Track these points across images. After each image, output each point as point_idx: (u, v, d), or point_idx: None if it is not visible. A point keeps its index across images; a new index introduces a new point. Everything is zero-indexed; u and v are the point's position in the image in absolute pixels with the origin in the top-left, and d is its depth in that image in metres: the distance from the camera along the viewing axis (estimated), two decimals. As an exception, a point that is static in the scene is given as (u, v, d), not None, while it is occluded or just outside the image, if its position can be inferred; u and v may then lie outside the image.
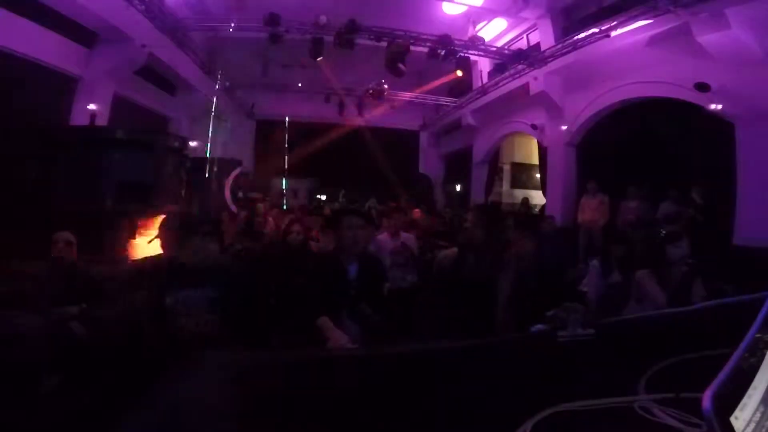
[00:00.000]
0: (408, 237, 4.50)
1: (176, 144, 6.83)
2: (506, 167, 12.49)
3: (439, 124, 14.10)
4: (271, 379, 0.98)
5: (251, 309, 2.45)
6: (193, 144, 9.11)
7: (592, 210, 7.23)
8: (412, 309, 4.23)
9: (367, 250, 2.79)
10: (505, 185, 12.53)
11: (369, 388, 0.94)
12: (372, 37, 7.93)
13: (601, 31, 6.80)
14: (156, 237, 4.06)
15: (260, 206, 6.51)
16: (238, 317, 2.31)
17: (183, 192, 6.70)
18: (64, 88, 6.71)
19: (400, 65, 7.99)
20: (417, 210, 7.04)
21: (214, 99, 10.00)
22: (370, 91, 10.97)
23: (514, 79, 9.20)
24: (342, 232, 2.47)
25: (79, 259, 3.13)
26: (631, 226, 6.07)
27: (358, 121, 12.49)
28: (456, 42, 8.45)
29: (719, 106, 5.65)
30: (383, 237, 4.46)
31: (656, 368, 1.00)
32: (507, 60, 9.01)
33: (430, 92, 12.04)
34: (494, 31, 9.66)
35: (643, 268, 2.68)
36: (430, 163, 15.04)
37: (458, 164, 13.67)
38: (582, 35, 7.19)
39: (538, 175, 10.90)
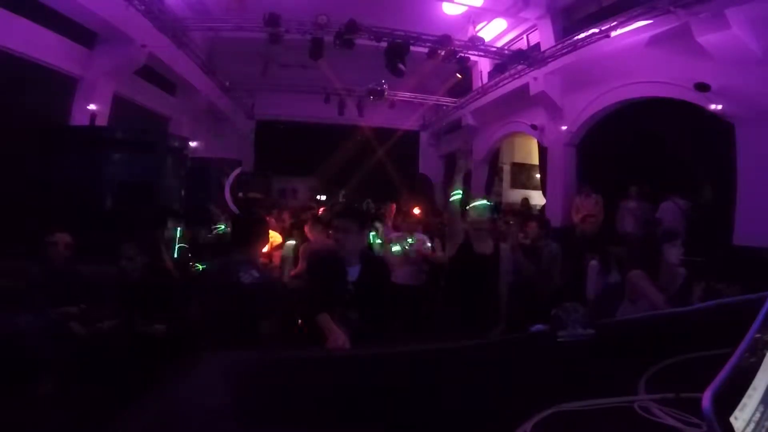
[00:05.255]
0: (421, 237, 4.57)
1: (176, 144, 6.84)
2: (506, 167, 12.49)
3: (439, 124, 14.10)
4: (270, 379, 0.98)
5: None
6: (193, 144, 9.11)
7: (586, 211, 7.26)
8: (421, 306, 4.26)
9: (369, 252, 2.77)
10: (505, 185, 12.53)
11: (369, 388, 0.94)
12: (372, 37, 7.92)
13: (601, 31, 6.79)
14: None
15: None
16: None
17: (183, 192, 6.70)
18: (64, 88, 6.70)
19: (400, 65, 7.99)
20: (417, 209, 7.05)
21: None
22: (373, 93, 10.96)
23: (514, 79, 9.19)
24: (333, 235, 2.47)
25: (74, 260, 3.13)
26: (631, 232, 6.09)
27: (358, 121, 12.50)
28: (456, 42, 8.44)
29: (719, 106, 5.64)
30: (396, 237, 4.54)
31: (656, 368, 1.00)
32: (507, 60, 9.00)
33: (430, 92, 12.04)
34: (494, 31, 9.66)
35: (637, 268, 2.66)
36: (430, 163, 15.04)
37: (458, 164, 13.64)
38: (582, 35, 7.18)
39: (538, 175, 10.89)
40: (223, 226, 4.83)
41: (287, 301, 3.16)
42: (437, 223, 6.81)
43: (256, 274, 2.43)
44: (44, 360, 2.40)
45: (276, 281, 3.25)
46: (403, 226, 4.71)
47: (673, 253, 2.64)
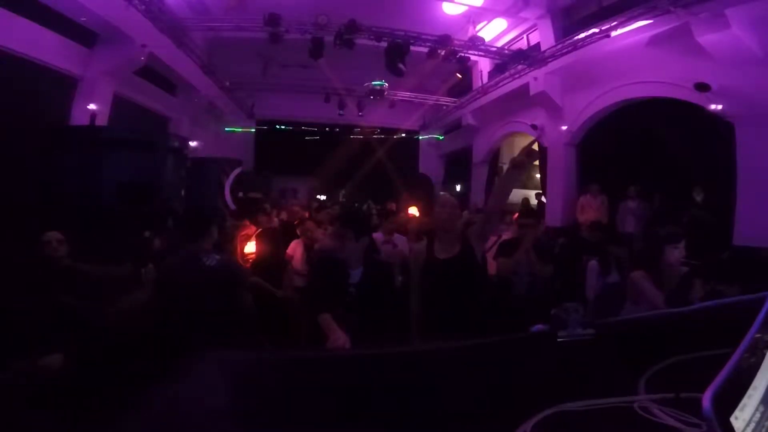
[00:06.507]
0: (400, 239, 4.55)
1: (176, 144, 6.84)
2: (506, 167, 12.48)
3: (439, 124, 14.10)
4: (270, 379, 0.98)
5: None
6: (193, 144, 9.11)
7: (593, 210, 7.27)
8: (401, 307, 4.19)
9: (372, 255, 2.72)
10: (505, 185, 12.50)
11: (369, 388, 0.94)
12: (372, 37, 7.93)
13: (601, 31, 6.79)
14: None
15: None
16: None
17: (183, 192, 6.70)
18: (64, 88, 6.70)
19: (400, 65, 7.99)
20: (414, 210, 7.05)
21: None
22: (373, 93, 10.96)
23: (514, 79, 9.20)
24: (332, 240, 2.46)
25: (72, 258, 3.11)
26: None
27: (358, 121, 12.51)
28: (456, 42, 8.44)
29: (719, 106, 5.64)
30: (377, 237, 4.50)
31: (656, 368, 1.00)
32: (507, 60, 9.00)
33: (430, 92, 12.05)
34: (494, 31, 9.66)
35: (639, 268, 2.65)
36: (430, 163, 15.04)
37: (458, 164, 13.68)
38: (582, 35, 7.18)
39: (538, 175, 10.89)
40: None
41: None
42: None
43: (216, 257, 2.56)
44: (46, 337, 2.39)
45: (237, 262, 3.35)
46: (384, 228, 4.64)
47: (675, 255, 2.63)
